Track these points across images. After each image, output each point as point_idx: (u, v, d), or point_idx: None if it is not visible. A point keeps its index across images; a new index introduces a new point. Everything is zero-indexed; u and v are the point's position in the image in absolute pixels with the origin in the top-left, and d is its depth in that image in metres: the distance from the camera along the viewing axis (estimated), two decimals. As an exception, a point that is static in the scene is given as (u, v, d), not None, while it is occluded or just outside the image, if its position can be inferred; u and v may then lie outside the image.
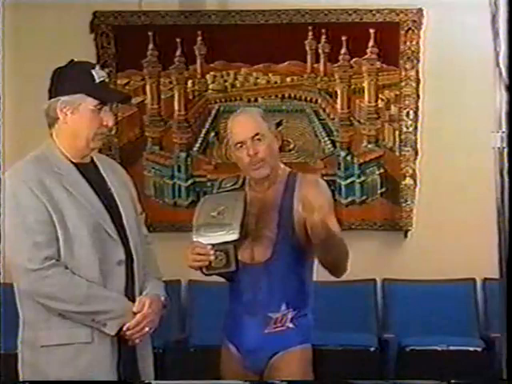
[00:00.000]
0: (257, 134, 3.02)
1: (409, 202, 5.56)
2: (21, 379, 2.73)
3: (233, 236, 2.91)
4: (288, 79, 5.57)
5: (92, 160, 2.84)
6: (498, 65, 2.95)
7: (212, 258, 2.89)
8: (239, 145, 3.04)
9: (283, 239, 3.00)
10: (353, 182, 5.61)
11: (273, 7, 5.51)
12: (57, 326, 2.68)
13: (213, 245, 2.90)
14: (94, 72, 2.74)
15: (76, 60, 2.80)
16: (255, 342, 3.03)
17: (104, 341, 2.70)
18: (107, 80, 2.83)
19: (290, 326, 3.03)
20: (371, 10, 5.49)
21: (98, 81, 2.74)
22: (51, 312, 2.67)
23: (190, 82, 5.60)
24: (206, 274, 3.01)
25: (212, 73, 5.59)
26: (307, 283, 3.10)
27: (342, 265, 2.96)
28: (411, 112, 5.54)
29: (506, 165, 2.94)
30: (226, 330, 3.14)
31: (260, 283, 3.01)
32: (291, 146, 5.53)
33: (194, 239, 2.94)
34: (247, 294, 3.05)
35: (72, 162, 2.77)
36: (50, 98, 2.75)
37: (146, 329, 2.74)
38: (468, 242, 5.38)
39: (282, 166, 3.15)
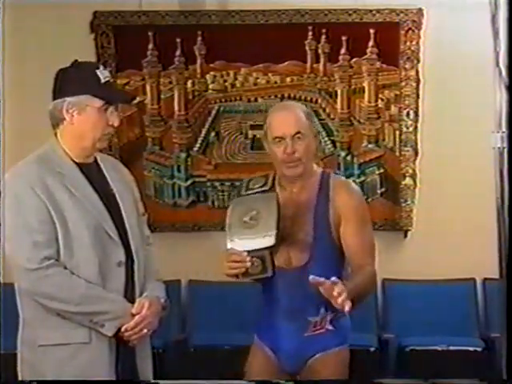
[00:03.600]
0: (298, 133, 2.94)
1: (409, 202, 5.56)
2: (20, 379, 2.73)
3: (269, 242, 2.86)
4: (288, 79, 5.57)
5: (95, 160, 2.83)
6: (497, 65, 2.95)
7: (248, 264, 2.85)
8: (278, 139, 2.95)
9: (320, 242, 2.94)
10: (353, 182, 5.60)
11: (273, 7, 5.51)
12: (55, 326, 2.67)
13: (248, 251, 2.85)
14: (99, 72, 2.75)
15: (80, 60, 2.80)
16: (293, 346, 2.98)
17: (102, 341, 2.69)
18: (112, 80, 2.83)
19: (330, 328, 2.98)
20: (371, 10, 5.49)
21: (103, 81, 2.74)
22: (50, 312, 2.66)
23: (189, 82, 5.60)
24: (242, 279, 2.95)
25: (212, 73, 5.59)
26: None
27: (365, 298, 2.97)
28: (411, 112, 5.53)
29: (506, 165, 2.94)
30: (260, 331, 3.08)
31: (298, 288, 2.93)
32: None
33: (229, 246, 2.90)
34: (284, 299, 2.99)
35: (75, 162, 2.76)
36: (55, 98, 2.74)
37: (145, 330, 2.73)
38: (468, 241, 5.38)
39: (315, 165, 3.09)
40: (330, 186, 3.00)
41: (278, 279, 2.96)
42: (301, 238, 2.95)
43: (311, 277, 2.62)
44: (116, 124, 2.78)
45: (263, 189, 3.04)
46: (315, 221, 2.95)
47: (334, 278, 2.62)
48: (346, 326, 3.04)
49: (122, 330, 2.70)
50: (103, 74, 2.76)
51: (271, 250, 2.88)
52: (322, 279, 2.60)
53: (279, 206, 2.93)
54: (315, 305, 2.94)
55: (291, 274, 2.95)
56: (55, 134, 2.78)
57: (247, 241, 2.87)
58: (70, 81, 2.73)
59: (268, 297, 3.05)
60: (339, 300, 2.58)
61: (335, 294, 2.58)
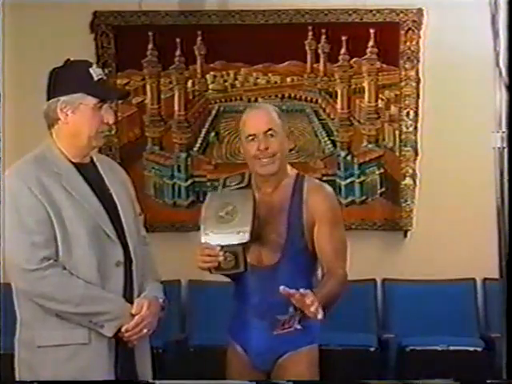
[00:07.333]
0: (270, 129, 2.99)
1: (409, 202, 5.56)
2: (17, 379, 2.72)
3: (243, 238, 2.87)
4: (288, 79, 5.57)
5: (91, 160, 2.83)
6: (497, 65, 2.95)
7: (221, 259, 2.87)
8: (251, 137, 2.99)
9: (292, 244, 2.97)
10: (353, 182, 5.61)
11: (273, 7, 5.51)
12: (54, 327, 2.67)
13: (222, 246, 2.87)
14: (91, 70, 2.74)
15: (72, 59, 2.79)
16: (264, 344, 3.01)
17: (101, 342, 2.69)
18: (105, 78, 2.82)
19: (298, 327, 3.00)
20: (371, 10, 5.49)
21: (96, 79, 2.74)
22: (48, 312, 2.66)
23: (189, 82, 5.60)
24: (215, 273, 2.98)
25: (212, 73, 5.59)
26: (314, 284, 3.05)
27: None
28: (411, 112, 5.54)
29: (506, 165, 2.95)
30: (232, 331, 3.12)
31: (268, 286, 2.96)
32: (291, 145, 5.53)
33: (203, 240, 2.92)
34: (255, 296, 3.03)
35: (72, 162, 2.76)
36: (49, 98, 2.75)
37: (145, 330, 2.74)
38: (468, 241, 5.38)
39: (289, 167, 3.12)
40: (304, 189, 3.03)
41: (249, 276, 3.00)
42: (273, 239, 2.98)
43: (282, 287, 2.64)
44: (111, 121, 2.78)
45: (240, 185, 3.08)
46: (289, 222, 2.98)
47: (303, 290, 2.64)
48: (315, 325, 3.04)
49: (123, 330, 2.70)
50: (96, 72, 2.75)
51: (244, 246, 2.90)
52: (293, 291, 2.62)
53: (255, 204, 2.95)
54: (284, 303, 2.93)
55: (262, 272, 2.99)
56: (51, 134, 2.78)
57: (221, 235, 2.89)
58: (63, 80, 2.73)
59: (239, 294, 3.09)
60: (312, 309, 2.61)
61: (308, 302, 2.61)
